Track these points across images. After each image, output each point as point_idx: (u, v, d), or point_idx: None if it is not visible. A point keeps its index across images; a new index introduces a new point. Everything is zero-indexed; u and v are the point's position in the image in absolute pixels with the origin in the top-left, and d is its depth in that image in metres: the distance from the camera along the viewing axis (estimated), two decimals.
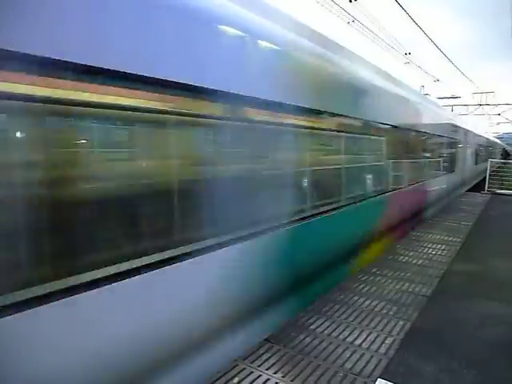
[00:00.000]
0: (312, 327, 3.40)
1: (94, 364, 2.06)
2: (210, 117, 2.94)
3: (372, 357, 2.94)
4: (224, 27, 2.87)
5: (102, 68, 2.01)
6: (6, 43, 1.66)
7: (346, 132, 5.03)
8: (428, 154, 9.06)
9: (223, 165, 3.05)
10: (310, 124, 4.17)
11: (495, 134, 39.09)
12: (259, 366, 2.78)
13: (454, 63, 21.44)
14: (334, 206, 4.54)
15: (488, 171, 14.83)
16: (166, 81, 2.36)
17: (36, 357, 1.84)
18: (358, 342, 3.17)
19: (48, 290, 1.88)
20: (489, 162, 15.24)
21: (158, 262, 2.38)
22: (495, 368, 2.84)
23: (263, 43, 3.31)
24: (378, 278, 4.66)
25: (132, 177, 2.45)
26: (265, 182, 3.44)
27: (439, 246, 6.22)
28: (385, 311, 3.76)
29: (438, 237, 6.85)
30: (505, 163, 16.69)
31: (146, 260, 2.32)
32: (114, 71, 2.07)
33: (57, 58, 1.82)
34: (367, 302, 3.96)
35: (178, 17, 2.49)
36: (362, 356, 2.95)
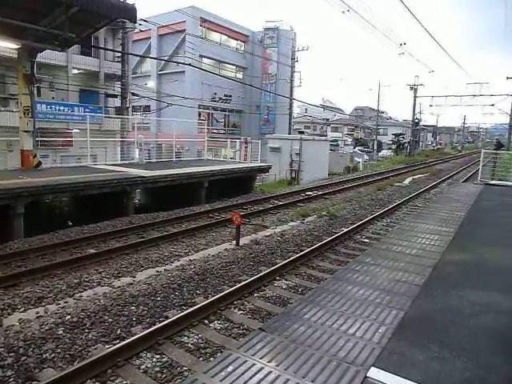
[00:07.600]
0: (306, 316, 3.41)
1: None
2: None
3: (365, 346, 2.96)
4: None
5: None
6: None
7: None
8: None
9: None
10: None
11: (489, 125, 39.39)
12: (253, 355, 2.79)
13: (449, 53, 21.40)
14: None
15: (481, 162, 14.91)
16: None
17: None
18: (351, 331, 3.19)
19: None
20: (482, 153, 15.32)
21: None
22: (486, 356, 2.87)
23: None
24: (372, 268, 4.69)
25: None
26: None
27: (432, 236, 6.26)
28: (378, 300, 3.78)
29: (431, 227, 6.89)
30: (497, 153, 16.78)
31: None
32: None
33: None
34: (361, 292, 3.98)
35: None
36: (355, 345, 2.98)
